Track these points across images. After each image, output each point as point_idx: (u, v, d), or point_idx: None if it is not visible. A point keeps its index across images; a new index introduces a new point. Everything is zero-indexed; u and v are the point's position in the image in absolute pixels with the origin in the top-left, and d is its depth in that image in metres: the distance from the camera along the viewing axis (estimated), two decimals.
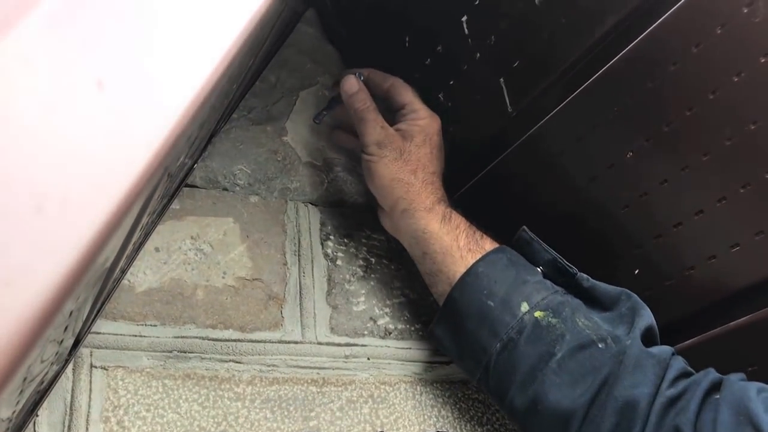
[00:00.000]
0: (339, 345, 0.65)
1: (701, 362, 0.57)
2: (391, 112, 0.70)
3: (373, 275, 0.72)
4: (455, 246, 0.62)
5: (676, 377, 0.53)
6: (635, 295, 0.59)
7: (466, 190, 0.75)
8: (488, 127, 0.69)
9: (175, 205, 0.65)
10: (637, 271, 0.62)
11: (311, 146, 0.76)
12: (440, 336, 0.64)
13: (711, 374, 0.53)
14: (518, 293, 0.59)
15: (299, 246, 0.70)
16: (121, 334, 0.57)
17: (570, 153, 0.63)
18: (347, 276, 0.71)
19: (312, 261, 0.69)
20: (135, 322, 0.58)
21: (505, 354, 0.58)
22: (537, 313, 0.58)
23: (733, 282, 0.56)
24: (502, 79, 0.65)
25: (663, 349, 0.55)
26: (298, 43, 0.81)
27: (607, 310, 0.60)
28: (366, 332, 0.68)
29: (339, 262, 0.71)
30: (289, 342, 0.63)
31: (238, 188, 0.70)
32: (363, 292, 0.70)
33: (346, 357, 0.65)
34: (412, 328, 0.70)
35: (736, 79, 0.50)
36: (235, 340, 0.61)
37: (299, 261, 0.68)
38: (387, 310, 0.70)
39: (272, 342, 0.62)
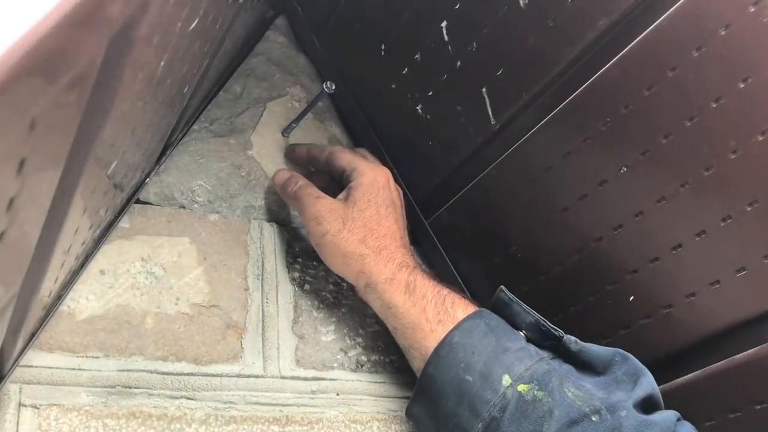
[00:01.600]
0: (305, 379, 0.59)
1: (703, 399, 0.52)
2: (337, 183, 0.65)
3: (344, 301, 0.66)
4: (423, 319, 0.56)
5: None
6: (632, 357, 0.52)
7: (446, 209, 0.70)
8: (470, 140, 0.64)
9: (124, 223, 0.59)
10: (632, 298, 0.56)
11: (279, 161, 0.71)
12: (417, 416, 0.57)
13: None
14: (499, 364, 0.52)
15: (263, 269, 0.64)
16: (57, 368, 0.51)
17: (558, 168, 0.58)
18: (316, 302, 0.64)
19: (277, 286, 0.63)
20: (74, 353, 0.52)
21: None
22: (520, 387, 0.51)
23: (739, 310, 0.50)
24: (484, 89, 0.60)
25: (666, 417, 0.49)
26: (266, 51, 0.76)
27: (601, 374, 0.53)
28: (336, 365, 0.61)
29: (307, 287, 0.65)
30: (249, 376, 0.57)
31: (196, 206, 0.64)
32: (333, 320, 0.64)
33: (313, 392, 0.59)
34: (387, 360, 0.64)
35: (742, 86, 0.45)
36: (187, 374, 0.55)
37: (262, 286, 0.62)
38: (359, 339, 0.64)
39: (230, 376, 0.56)
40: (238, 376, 0.56)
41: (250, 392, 0.56)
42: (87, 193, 0.35)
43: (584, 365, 0.54)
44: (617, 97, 0.52)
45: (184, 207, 0.63)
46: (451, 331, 0.54)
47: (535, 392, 0.50)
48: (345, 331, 0.64)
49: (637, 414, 0.48)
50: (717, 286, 0.51)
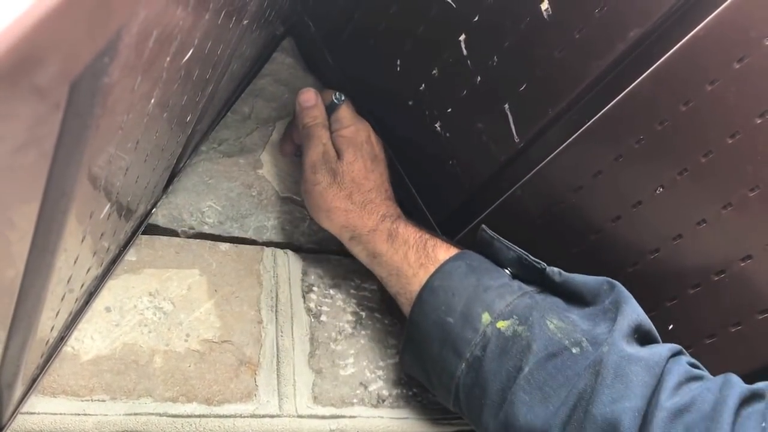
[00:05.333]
0: (323, 417, 0.56)
1: None
2: None
3: (363, 332, 0.63)
4: (405, 264, 0.56)
5: (679, 383, 0.43)
6: (619, 285, 0.50)
7: (469, 231, 0.66)
8: (492, 159, 0.60)
9: (131, 256, 0.56)
10: (671, 327, 0.53)
11: (290, 180, 0.69)
12: (409, 365, 0.57)
13: (734, 378, 0.43)
14: (479, 303, 0.51)
15: (277, 300, 0.60)
16: (60, 414, 0.48)
17: (588, 189, 0.54)
18: (333, 334, 0.61)
19: (292, 318, 0.60)
20: (79, 397, 0.49)
21: (472, 375, 0.50)
22: (500, 324, 0.50)
23: None
24: (506, 105, 0.57)
25: (656, 351, 0.45)
26: (274, 73, 0.74)
27: (590, 305, 0.51)
28: (355, 400, 0.58)
29: (324, 318, 0.62)
30: (263, 416, 0.54)
31: (206, 227, 0.61)
32: (352, 352, 0.61)
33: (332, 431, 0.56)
34: (410, 393, 0.61)
35: None
36: (199, 416, 0.52)
37: (277, 318, 0.59)
38: (380, 372, 0.61)
39: (244, 416, 0.53)
40: (252, 416, 0.53)
41: None
42: (83, 218, 0.32)
43: (573, 297, 0.52)
44: (651, 113, 0.48)
45: (193, 228, 0.60)
46: (432, 274, 0.54)
47: (516, 327, 0.49)
48: (365, 363, 0.61)
49: (621, 348, 0.45)
50: (766, 315, 0.47)
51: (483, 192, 0.63)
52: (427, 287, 0.54)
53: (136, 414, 0.50)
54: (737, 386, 0.42)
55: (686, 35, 0.45)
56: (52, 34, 0.13)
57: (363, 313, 0.64)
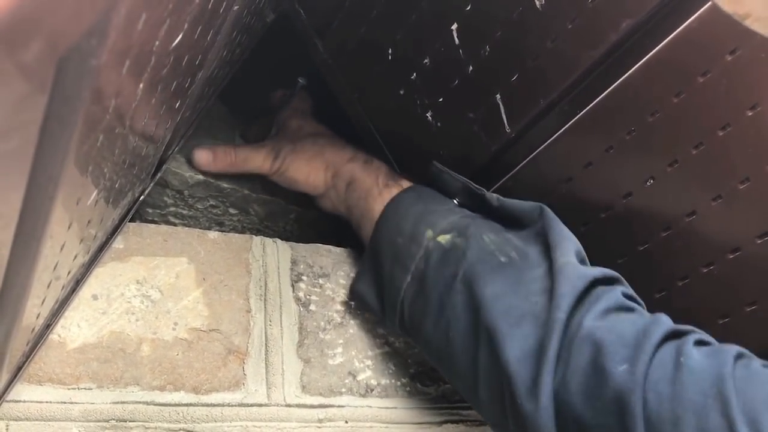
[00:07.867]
0: (311, 407, 0.56)
1: None
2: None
3: (352, 321, 0.62)
4: (375, 185, 0.62)
5: (608, 309, 0.44)
6: (548, 209, 0.53)
7: None
8: (483, 150, 0.60)
9: (119, 244, 0.56)
10: None
11: None
12: (362, 292, 0.60)
13: (664, 317, 0.44)
14: (424, 223, 0.56)
15: (266, 289, 0.60)
16: (46, 402, 0.48)
17: (579, 180, 0.54)
18: (322, 323, 0.61)
19: (280, 307, 0.60)
20: (65, 385, 0.49)
21: (416, 286, 0.54)
22: (440, 237, 0.54)
23: None
24: (498, 95, 0.56)
25: (587, 271, 0.47)
26: None
27: (525, 228, 0.54)
28: (344, 390, 0.58)
29: (313, 307, 0.61)
30: (252, 405, 0.54)
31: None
32: (340, 342, 0.61)
33: (320, 421, 0.55)
34: (398, 383, 0.61)
35: None
36: (186, 405, 0.51)
37: (265, 307, 0.59)
38: (369, 362, 0.61)
39: (232, 405, 0.53)
40: (240, 405, 0.53)
41: (253, 422, 0.53)
42: (70, 204, 0.31)
43: (510, 221, 0.55)
44: (643, 105, 0.48)
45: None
46: (388, 203, 0.60)
47: (455, 240, 0.53)
48: (353, 353, 0.61)
49: (556, 265, 0.47)
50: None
51: (474, 182, 0.63)
52: (383, 216, 0.59)
53: (123, 402, 0.50)
54: (665, 324, 0.43)
55: (679, 26, 0.45)
56: (38, 7, 0.12)
57: (352, 303, 0.64)
